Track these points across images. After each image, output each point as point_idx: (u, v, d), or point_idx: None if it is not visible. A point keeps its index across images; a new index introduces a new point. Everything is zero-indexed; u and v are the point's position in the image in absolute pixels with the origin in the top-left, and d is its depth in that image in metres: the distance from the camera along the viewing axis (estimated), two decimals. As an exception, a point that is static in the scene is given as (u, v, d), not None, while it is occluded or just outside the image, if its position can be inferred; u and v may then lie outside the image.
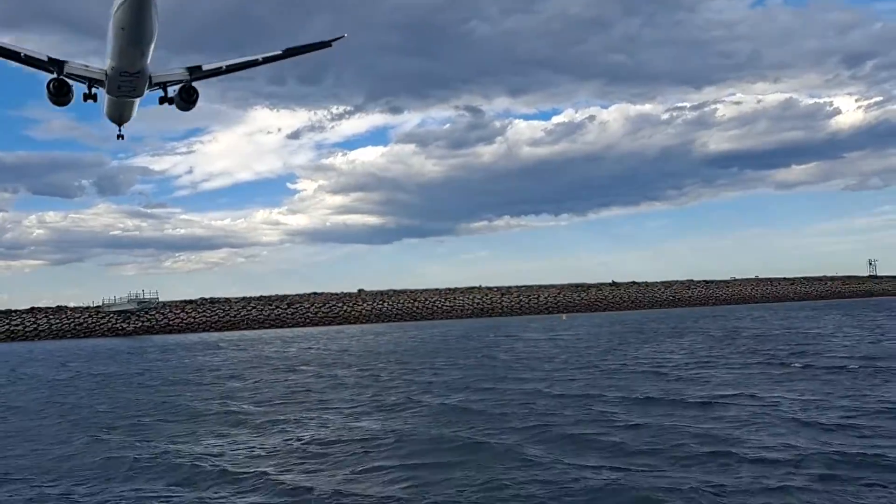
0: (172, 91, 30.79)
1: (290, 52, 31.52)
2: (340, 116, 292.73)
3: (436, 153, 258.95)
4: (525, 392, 32.82)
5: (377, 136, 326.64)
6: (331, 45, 31.81)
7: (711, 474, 17.43)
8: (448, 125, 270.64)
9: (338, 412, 29.81)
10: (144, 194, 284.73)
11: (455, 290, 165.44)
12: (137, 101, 31.11)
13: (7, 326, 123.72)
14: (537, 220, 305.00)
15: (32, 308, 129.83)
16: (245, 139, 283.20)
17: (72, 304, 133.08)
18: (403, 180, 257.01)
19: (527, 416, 26.21)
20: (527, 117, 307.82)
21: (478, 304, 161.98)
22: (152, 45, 26.61)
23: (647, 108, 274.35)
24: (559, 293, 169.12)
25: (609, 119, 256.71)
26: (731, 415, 25.07)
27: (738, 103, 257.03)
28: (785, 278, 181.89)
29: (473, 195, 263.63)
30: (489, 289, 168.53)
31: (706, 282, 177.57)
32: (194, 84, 30.83)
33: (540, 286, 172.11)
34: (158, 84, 30.38)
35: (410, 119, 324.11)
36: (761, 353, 45.89)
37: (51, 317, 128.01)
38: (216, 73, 31.01)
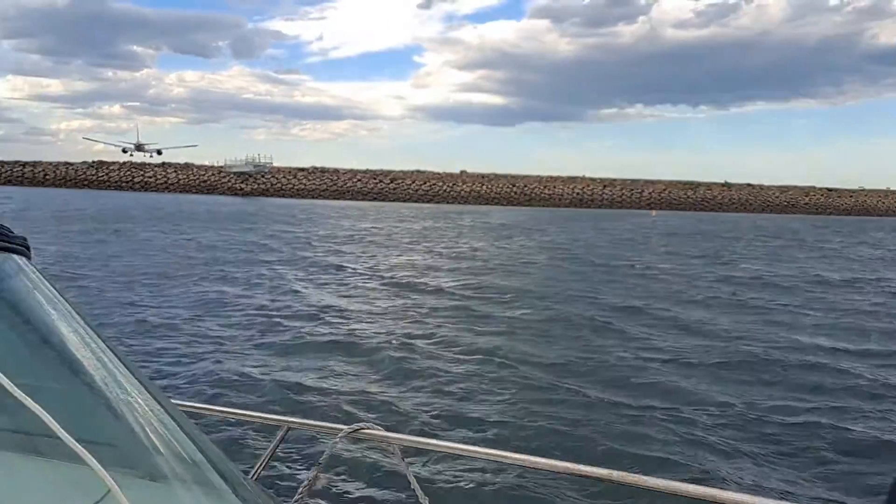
0: None
1: None
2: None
3: (571, 31, 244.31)
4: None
5: (511, 10, 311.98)
6: None
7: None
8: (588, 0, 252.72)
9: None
10: (277, 59, 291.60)
11: (556, 178, 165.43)
12: None
13: (142, 178, 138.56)
14: (673, 111, 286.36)
15: (163, 163, 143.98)
16: (375, 7, 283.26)
17: (198, 162, 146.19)
18: (534, 59, 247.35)
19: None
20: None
21: (577, 194, 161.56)
22: None
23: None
24: (665, 190, 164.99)
25: (769, 1, 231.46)
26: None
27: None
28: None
29: (607, 80, 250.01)
30: (592, 179, 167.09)
31: (828, 189, 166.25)
32: None
33: (646, 181, 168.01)
34: None
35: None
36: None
37: (179, 172, 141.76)
38: None
